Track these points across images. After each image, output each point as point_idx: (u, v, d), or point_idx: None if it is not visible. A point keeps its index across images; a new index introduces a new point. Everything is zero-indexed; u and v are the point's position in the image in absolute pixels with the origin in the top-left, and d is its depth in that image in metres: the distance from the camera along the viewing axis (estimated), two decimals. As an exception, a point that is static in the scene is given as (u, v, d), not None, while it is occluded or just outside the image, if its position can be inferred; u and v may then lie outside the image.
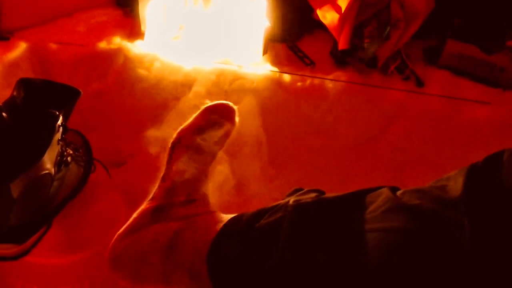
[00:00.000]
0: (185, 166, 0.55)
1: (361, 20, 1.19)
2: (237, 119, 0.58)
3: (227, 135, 0.57)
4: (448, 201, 0.34)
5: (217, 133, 0.56)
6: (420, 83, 1.17)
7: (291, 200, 0.42)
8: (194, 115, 0.58)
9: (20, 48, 1.07)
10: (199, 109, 1.00)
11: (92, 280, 0.79)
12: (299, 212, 0.40)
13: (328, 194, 0.43)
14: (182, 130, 0.57)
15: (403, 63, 1.20)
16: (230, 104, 0.58)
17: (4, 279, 0.79)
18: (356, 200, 0.39)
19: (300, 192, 0.46)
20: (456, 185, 0.35)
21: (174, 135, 0.57)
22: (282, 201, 0.44)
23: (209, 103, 0.58)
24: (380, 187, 0.41)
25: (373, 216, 0.37)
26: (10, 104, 0.74)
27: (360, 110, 1.08)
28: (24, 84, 0.76)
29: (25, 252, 0.70)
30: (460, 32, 1.20)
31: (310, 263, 0.37)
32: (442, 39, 1.23)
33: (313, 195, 0.44)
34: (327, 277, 0.35)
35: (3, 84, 0.98)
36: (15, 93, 0.76)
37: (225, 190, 0.93)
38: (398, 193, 0.39)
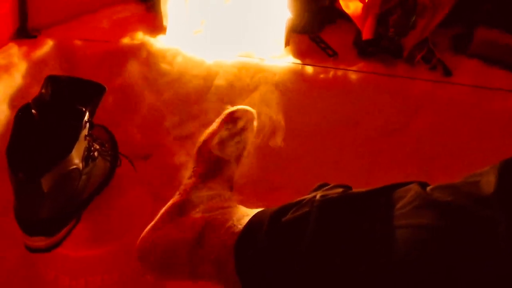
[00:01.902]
0: (208, 170, 0.56)
1: (385, 8, 1.16)
2: (255, 123, 0.61)
3: (245, 143, 0.60)
4: (480, 198, 0.33)
5: (236, 144, 0.59)
6: (448, 72, 1.14)
7: (318, 195, 0.42)
8: (217, 120, 0.60)
9: (47, 45, 1.09)
10: (221, 102, 1.01)
11: (121, 271, 0.81)
12: (325, 207, 0.40)
13: (355, 190, 0.42)
14: (206, 137, 0.59)
15: (430, 52, 1.16)
16: (249, 109, 0.60)
17: (38, 271, 0.82)
18: (385, 196, 0.39)
19: (327, 187, 0.45)
20: (488, 181, 0.34)
21: (200, 139, 0.59)
22: (308, 196, 0.44)
23: (229, 108, 0.61)
24: (408, 183, 0.40)
25: (402, 213, 0.36)
26: (39, 101, 0.76)
27: (384, 101, 1.06)
28: (51, 81, 0.78)
29: (56, 244, 0.73)
30: (490, 18, 1.15)
31: (337, 259, 0.36)
32: (470, 26, 1.18)
33: (339, 190, 0.44)
34: (354, 273, 0.35)
35: (31, 82, 1.01)
36: (43, 90, 0.78)
37: (247, 183, 0.93)
38: (428, 188, 0.38)
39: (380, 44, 1.15)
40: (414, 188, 0.38)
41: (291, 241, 0.40)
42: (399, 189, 0.39)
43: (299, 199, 0.44)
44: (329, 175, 0.99)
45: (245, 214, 0.49)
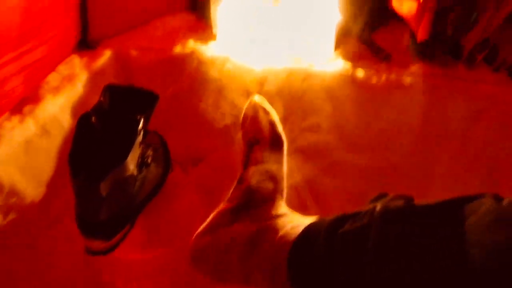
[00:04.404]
0: (261, 169, 0.56)
1: (442, 6, 1.10)
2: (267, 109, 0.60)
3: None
4: None
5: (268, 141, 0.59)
6: (513, 73, 1.06)
7: (378, 206, 0.40)
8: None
9: (105, 56, 1.15)
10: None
11: (173, 275, 0.83)
12: (387, 220, 0.38)
13: (419, 202, 0.40)
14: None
15: (493, 52, 1.09)
16: (255, 102, 0.61)
17: (93, 272, 0.86)
18: (454, 210, 0.36)
19: (386, 198, 0.43)
20: None
21: (247, 143, 0.59)
22: (367, 207, 0.42)
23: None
24: (479, 195, 0.37)
25: (476, 229, 0.33)
26: (98, 109, 0.80)
27: (443, 106, 1.00)
28: (109, 90, 0.82)
29: (113, 248, 0.76)
30: None
31: (402, 277, 0.34)
32: (540, 22, 1.09)
33: (401, 201, 0.41)
34: None
35: (91, 90, 1.07)
36: (102, 99, 0.82)
37: (297, 190, 0.92)
38: (505, 202, 0.35)
39: (437, 45, 1.09)
40: (488, 202, 0.35)
41: (350, 254, 0.38)
42: (470, 202, 0.36)
43: (356, 210, 0.43)
44: (384, 185, 0.95)
45: (299, 222, 0.48)
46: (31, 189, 0.93)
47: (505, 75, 1.05)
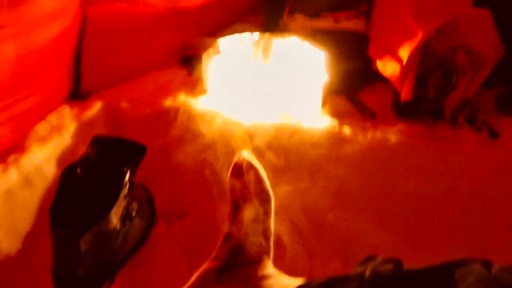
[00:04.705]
0: (248, 228, 0.55)
1: (424, 69, 1.16)
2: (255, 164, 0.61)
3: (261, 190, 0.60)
4: None
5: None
6: (493, 134, 1.09)
7: (367, 271, 0.39)
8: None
9: (96, 107, 1.16)
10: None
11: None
12: (377, 285, 0.37)
13: (409, 267, 0.39)
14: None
15: (473, 113, 1.13)
16: (243, 159, 0.62)
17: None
18: (444, 276, 0.36)
19: (375, 262, 0.42)
20: None
21: (234, 200, 0.58)
22: (355, 271, 0.41)
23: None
24: (468, 261, 0.36)
25: None
26: (84, 160, 0.79)
27: (426, 165, 1.02)
28: (97, 142, 0.82)
29: (89, 307, 0.71)
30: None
31: None
32: (514, 86, 1.15)
33: (390, 266, 0.40)
34: None
35: (79, 141, 1.06)
36: (89, 150, 0.81)
37: (285, 251, 0.90)
38: (494, 270, 0.34)
39: (420, 105, 1.13)
40: (477, 270, 0.35)
41: None
42: (459, 269, 0.36)
43: (344, 274, 0.41)
44: (369, 244, 0.93)
45: (285, 284, 0.47)
46: (8, 241, 0.89)
47: (486, 135, 1.09)
